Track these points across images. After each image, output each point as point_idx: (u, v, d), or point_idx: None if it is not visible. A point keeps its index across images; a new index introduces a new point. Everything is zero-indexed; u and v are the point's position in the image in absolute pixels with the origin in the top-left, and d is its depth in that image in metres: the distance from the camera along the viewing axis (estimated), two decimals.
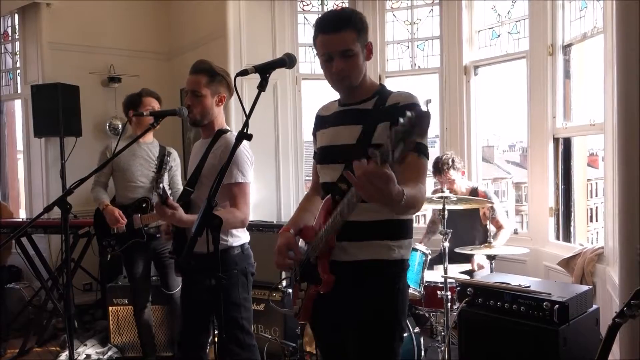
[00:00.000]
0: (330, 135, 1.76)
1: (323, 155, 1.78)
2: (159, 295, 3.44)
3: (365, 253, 1.64)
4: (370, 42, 1.70)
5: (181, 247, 2.29)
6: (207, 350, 2.45)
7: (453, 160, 3.59)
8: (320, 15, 1.73)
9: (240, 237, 2.34)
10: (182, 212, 2.12)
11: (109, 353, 3.60)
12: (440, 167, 3.58)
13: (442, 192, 3.22)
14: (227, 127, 2.39)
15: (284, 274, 3.23)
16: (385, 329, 1.66)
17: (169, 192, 3.37)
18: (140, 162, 3.25)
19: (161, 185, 2.20)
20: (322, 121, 1.83)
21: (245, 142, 2.18)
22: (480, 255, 3.38)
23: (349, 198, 1.41)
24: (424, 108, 1.08)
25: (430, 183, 4.67)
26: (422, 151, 1.57)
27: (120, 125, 4.89)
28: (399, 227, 1.67)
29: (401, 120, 1.10)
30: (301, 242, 1.79)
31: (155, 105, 3.26)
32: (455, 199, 3.11)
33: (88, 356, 3.57)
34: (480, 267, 3.43)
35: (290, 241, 1.72)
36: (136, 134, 3.19)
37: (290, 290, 3.13)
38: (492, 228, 3.42)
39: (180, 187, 3.40)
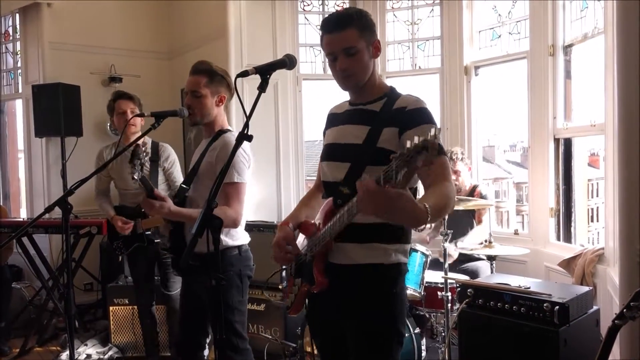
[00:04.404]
0: (336, 133, 1.76)
1: (327, 153, 1.79)
2: (159, 296, 3.44)
3: (363, 256, 1.63)
4: (377, 40, 1.69)
5: (178, 245, 2.28)
6: (207, 351, 2.45)
7: (463, 154, 3.74)
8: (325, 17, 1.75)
9: (238, 238, 2.30)
10: (172, 204, 2.10)
11: (110, 353, 3.61)
12: (450, 156, 3.64)
13: None
14: (228, 127, 2.39)
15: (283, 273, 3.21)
16: (382, 334, 1.64)
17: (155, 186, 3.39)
18: (130, 169, 3.26)
19: (135, 176, 2.15)
20: (333, 119, 1.84)
21: (246, 144, 2.19)
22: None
23: (350, 207, 1.43)
24: (432, 133, 1.10)
25: None
26: (440, 151, 1.56)
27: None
28: (396, 230, 1.66)
29: (408, 145, 1.11)
30: (300, 237, 1.80)
31: (128, 107, 3.25)
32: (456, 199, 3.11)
33: (89, 356, 3.57)
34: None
35: (289, 235, 1.73)
36: (124, 142, 3.20)
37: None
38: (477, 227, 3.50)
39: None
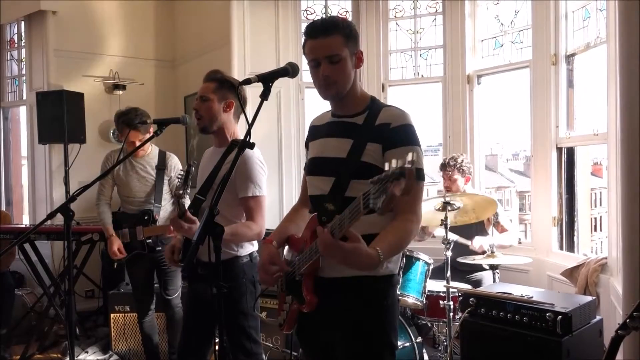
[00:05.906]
0: (320, 147, 1.74)
1: (312, 167, 1.77)
2: (159, 303, 3.44)
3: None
4: (360, 50, 1.67)
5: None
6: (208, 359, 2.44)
7: (462, 161, 3.59)
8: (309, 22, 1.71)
9: (248, 246, 2.35)
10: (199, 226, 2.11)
11: None
12: (447, 163, 3.59)
13: (446, 202, 3.19)
14: (241, 138, 2.40)
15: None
16: (374, 346, 1.62)
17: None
18: (137, 178, 3.27)
19: (186, 199, 2.21)
20: (315, 132, 1.81)
21: (258, 153, 2.24)
22: (481, 239, 3.37)
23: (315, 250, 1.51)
24: (410, 159, 1.10)
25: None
26: (418, 177, 1.50)
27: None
28: None
29: (386, 169, 1.14)
30: (287, 251, 1.78)
31: (137, 138, 3.16)
32: (457, 207, 3.09)
33: None
34: (482, 249, 3.37)
35: (273, 254, 1.69)
36: (128, 149, 3.16)
37: None
38: (495, 233, 3.40)
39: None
